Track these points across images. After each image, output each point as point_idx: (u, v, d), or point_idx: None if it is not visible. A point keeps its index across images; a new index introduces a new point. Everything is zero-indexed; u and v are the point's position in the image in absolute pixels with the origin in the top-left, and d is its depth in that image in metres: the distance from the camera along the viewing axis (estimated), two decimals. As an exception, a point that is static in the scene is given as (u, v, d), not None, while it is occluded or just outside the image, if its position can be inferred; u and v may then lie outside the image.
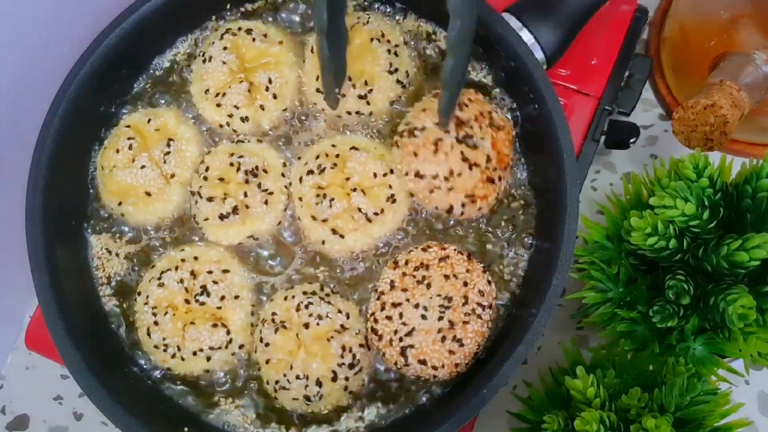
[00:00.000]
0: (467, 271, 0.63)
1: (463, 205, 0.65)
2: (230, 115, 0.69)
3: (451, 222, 0.68)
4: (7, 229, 0.72)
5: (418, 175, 0.65)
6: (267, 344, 0.64)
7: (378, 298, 0.64)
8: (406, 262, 0.64)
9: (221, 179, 0.67)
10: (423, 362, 0.62)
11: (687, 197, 0.58)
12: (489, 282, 0.64)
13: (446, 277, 0.62)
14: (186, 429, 0.63)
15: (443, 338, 0.61)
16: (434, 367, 0.62)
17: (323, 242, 0.66)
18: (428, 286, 0.62)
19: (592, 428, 0.54)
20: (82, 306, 0.66)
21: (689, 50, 0.79)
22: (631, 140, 0.74)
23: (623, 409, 0.57)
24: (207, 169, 0.68)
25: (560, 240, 0.60)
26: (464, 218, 0.67)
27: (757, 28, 0.70)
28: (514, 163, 0.68)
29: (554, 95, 0.63)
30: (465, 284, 0.63)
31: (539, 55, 0.67)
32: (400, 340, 0.62)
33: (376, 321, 0.63)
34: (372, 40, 0.68)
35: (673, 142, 0.69)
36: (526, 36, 0.67)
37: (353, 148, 0.67)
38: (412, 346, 0.62)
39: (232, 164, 0.67)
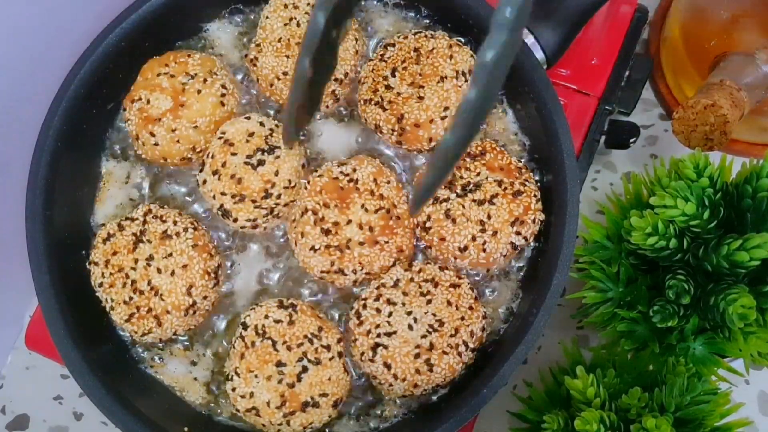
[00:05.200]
0: (470, 308, 0.62)
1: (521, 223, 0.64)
2: None
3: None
4: (7, 229, 0.72)
5: (461, 250, 0.63)
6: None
7: (377, 288, 0.63)
8: (420, 270, 0.63)
9: None
10: (387, 366, 0.61)
11: (687, 197, 0.58)
12: (483, 329, 0.63)
13: (449, 303, 0.61)
14: (186, 429, 0.63)
15: (417, 355, 0.60)
16: (395, 376, 0.61)
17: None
18: (429, 302, 0.61)
19: (592, 428, 0.54)
20: (82, 306, 0.66)
21: (689, 50, 0.79)
22: (631, 140, 0.74)
23: (623, 409, 0.57)
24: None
25: (560, 240, 0.60)
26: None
27: (757, 28, 0.70)
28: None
29: (554, 95, 0.63)
30: (462, 319, 0.61)
31: (539, 55, 0.67)
32: (378, 336, 0.61)
33: (364, 306, 0.62)
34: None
35: (673, 142, 0.69)
36: (527, 36, 0.67)
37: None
38: (385, 347, 0.61)
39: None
